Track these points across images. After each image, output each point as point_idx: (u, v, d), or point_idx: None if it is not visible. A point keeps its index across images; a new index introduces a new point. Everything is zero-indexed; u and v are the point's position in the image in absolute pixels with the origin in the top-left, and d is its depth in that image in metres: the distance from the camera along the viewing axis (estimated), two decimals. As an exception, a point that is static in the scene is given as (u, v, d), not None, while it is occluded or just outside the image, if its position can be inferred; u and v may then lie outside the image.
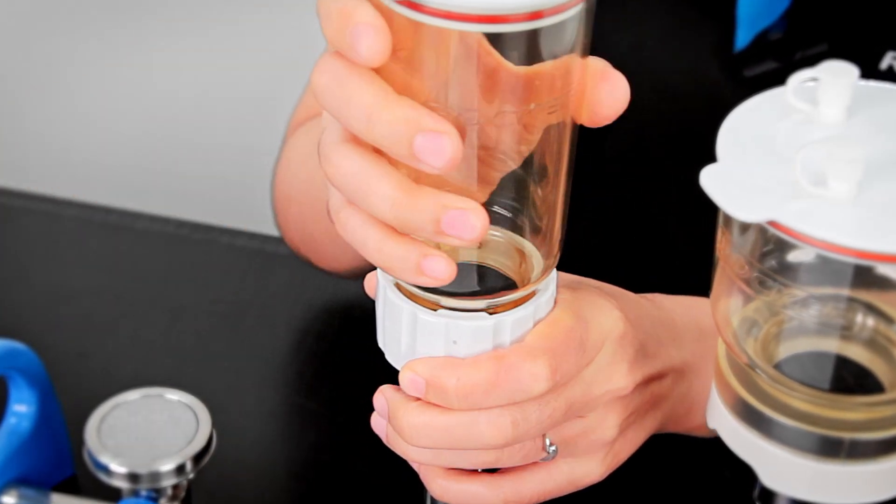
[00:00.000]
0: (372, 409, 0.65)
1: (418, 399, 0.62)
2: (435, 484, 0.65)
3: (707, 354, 0.69)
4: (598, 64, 0.57)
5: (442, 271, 0.57)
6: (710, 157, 0.54)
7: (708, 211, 0.61)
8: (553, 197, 0.61)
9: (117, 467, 0.74)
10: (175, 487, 0.76)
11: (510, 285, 0.62)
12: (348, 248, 0.61)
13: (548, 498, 0.66)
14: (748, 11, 0.82)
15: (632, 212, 0.90)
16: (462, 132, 0.55)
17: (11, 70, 1.85)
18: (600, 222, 0.91)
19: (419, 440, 0.62)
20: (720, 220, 0.57)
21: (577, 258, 0.71)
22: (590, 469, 0.66)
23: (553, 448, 0.64)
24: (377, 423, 0.65)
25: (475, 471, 0.65)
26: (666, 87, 0.82)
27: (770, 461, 0.57)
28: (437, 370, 0.61)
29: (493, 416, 0.62)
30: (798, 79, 0.56)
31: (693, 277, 0.72)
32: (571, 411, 0.64)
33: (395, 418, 0.63)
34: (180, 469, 0.74)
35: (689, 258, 0.80)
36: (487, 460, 0.63)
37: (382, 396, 0.64)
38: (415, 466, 0.66)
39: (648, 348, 0.67)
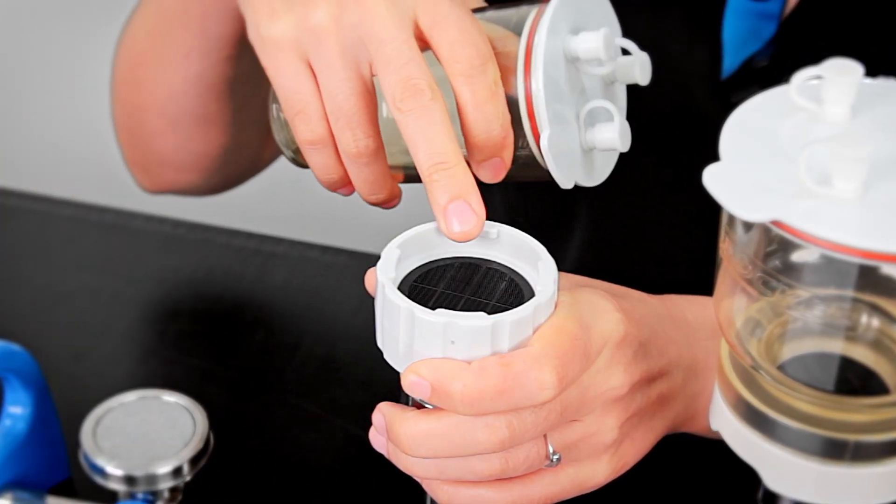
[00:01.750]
0: (370, 411, 0.64)
1: (416, 408, 0.62)
2: (441, 491, 0.65)
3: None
4: None
5: None
6: (699, 178, 0.54)
7: (705, 220, 0.61)
8: None
9: (113, 470, 0.74)
10: (172, 490, 0.75)
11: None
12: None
13: (555, 500, 0.66)
14: (733, 38, 0.82)
15: (627, 224, 0.90)
16: None
17: (6, 69, 1.85)
18: (598, 237, 0.91)
19: (418, 450, 0.62)
20: (723, 219, 0.56)
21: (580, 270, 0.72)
22: (595, 472, 0.66)
23: (556, 456, 0.64)
24: (376, 439, 0.65)
25: None
26: (654, 110, 0.82)
27: (774, 463, 0.57)
28: (442, 375, 0.60)
29: (490, 419, 0.61)
30: (802, 77, 0.55)
31: (693, 286, 0.72)
32: (567, 414, 0.63)
33: (392, 431, 0.62)
34: (177, 471, 0.74)
35: (688, 268, 0.79)
36: (491, 471, 0.63)
37: (380, 413, 0.63)
38: (419, 480, 0.65)
39: (651, 346, 0.67)
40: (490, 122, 0.64)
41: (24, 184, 1.16)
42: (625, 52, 0.69)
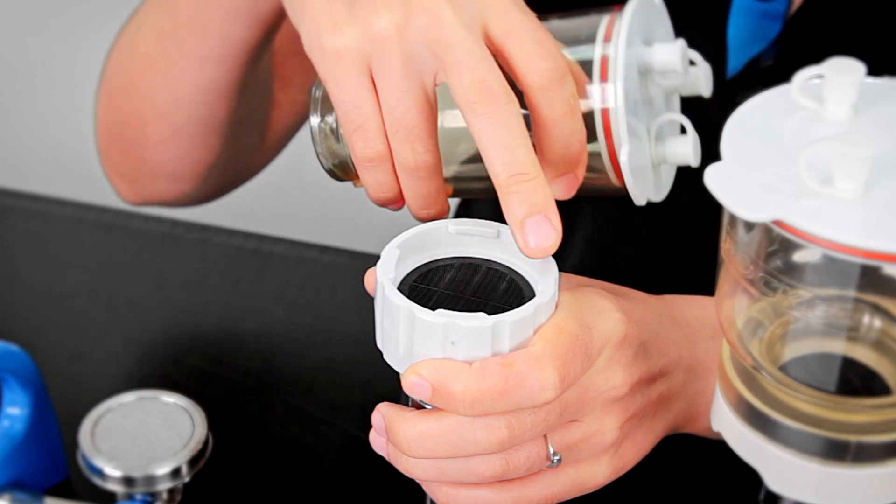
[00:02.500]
0: (370, 412, 0.64)
1: (415, 409, 0.62)
2: (441, 492, 0.64)
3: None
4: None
5: None
6: (700, 177, 0.54)
7: (707, 220, 0.60)
8: None
9: (112, 471, 0.74)
10: (170, 491, 0.75)
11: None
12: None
13: (555, 501, 0.66)
14: (738, 38, 0.82)
15: (627, 224, 0.89)
16: None
17: (5, 68, 1.85)
18: (598, 237, 0.90)
19: (417, 451, 0.62)
20: (724, 219, 0.56)
21: (580, 270, 0.71)
22: (595, 472, 0.66)
23: (557, 457, 0.64)
24: (376, 441, 0.64)
25: None
26: None
27: (775, 464, 0.57)
28: (443, 375, 0.60)
29: (489, 420, 0.61)
30: (804, 76, 0.55)
31: (693, 286, 0.72)
32: (566, 414, 0.63)
33: (392, 432, 0.62)
34: (176, 472, 0.74)
35: (689, 268, 0.79)
36: (492, 472, 0.63)
37: (379, 414, 0.63)
38: (419, 482, 0.65)
39: (652, 346, 0.67)
40: (568, 138, 0.62)
41: (22, 184, 1.16)
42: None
